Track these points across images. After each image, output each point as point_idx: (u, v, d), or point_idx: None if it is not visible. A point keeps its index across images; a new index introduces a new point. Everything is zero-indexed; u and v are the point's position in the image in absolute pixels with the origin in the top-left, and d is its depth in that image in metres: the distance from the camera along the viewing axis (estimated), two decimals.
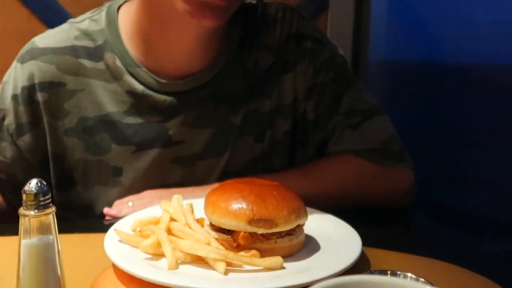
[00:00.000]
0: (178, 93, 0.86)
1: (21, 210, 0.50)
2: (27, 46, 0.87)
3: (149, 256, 0.63)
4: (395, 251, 0.69)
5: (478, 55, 1.52)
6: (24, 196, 0.50)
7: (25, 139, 0.86)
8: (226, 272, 0.59)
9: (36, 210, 0.50)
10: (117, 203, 0.84)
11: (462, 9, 1.55)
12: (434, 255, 0.68)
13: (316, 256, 0.65)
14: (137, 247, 0.64)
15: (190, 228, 0.65)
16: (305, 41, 0.89)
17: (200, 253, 0.60)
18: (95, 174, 0.87)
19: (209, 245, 0.62)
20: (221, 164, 0.88)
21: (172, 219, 0.67)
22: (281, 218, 0.63)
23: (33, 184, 0.50)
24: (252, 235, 0.62)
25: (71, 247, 0.60)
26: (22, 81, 0.85)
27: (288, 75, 0.89)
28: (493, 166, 1.48)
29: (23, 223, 0.50)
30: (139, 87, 0.85)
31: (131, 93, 0.85)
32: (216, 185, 0.71)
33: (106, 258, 0.62)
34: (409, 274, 0.57)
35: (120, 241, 0.65)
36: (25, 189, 0.50)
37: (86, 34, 0.87)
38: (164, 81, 0.85)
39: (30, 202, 0.50)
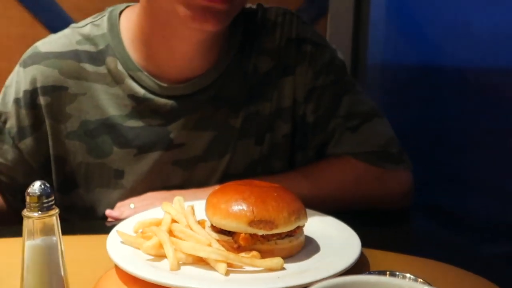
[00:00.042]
0: (179, 97, 0.86)
1: (25, 212, 0.51)
2: (29, 51, 0.88)
3: (151, 257, 0.63)
4: (394, 252, 0.70)
5: (476, 59, 1.53)
6: (28, 198, 0.50)
7: (27, 142, 0.87)
8: (227, 273, 0.60)
9: (39, 212, 0.50)
10: (119, 205, 0.85)
11: (460, 13, 1.56)
12: (433, 256, 0.68)
13: (316, 257, 0.65)
14: (139, 249, 0.64)
15: (191, 229, 0.66)
16: (305, 45, 0.90)
17: (201, 254, 0.61)
18: (97, 176, 0.87)
19: (210, 246, 0.62)
20: (221, 166, 0.89)
21: (173, 221, 0.68)
22: (281, 220, 0.63)
23: (36, 186, 0.50)
24: (253, 236, 0.63)
25: (74, 248, 0.60)
26: (25, 85, 0.86)
27: (288, 79, 0.90)
28: (491, 168, 1.48)
29: (27, 224, 0.51)
30: (141, 91, 0.86)
31: (133, 96, 0.86)
32: (216, 187, 0.71)
33: (109, 259, 0.62)
34: (408, 275, 0.57)
35: (122, 242, 0.66)
36: (28, 191, 0.50)
37: (88, 38, 0.88)
38: (165, 85, 0.86)
39: (34, 204, 0.50)
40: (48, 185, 0.51)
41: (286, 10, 0.92)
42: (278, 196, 0.65)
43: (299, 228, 0.67)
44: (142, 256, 0.64)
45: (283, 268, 0.61)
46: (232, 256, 0.61)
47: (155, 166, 0.87)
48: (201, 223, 0.68)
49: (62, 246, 0.52)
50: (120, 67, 0.86)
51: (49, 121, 0.86)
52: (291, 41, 0.90)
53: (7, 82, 0.90)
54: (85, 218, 0.89)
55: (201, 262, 0.62)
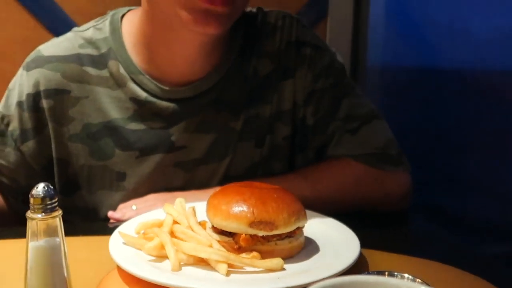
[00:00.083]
0: (181, 100, 0.87)
1: (29, 213, 0.51)
2: (32, 54, 0.89)
3: (153, 258, 0.64)
4: (393, 252, 0.70)
5: (476, 61, 1.53)
6: (31, 200, 0.51)
7: (29, 145, 0.87)
8: (227, 274, 0.60)
9: (43, 213, 0.51)
10: (121, 206, 0.85)
11: (459, 16, 1.56)
12: (432, 257, 0.68)
13: (315, 257, 0.66)
14: (141, 249, 0.65)
15: (192, 230, 0.66)
16: (305, 48, 0.91)
17: (203, 255, 0.62)
18: (99, 179, 0.88)
19: (211, 247, 0.63)
20: (222, 168, 0.89)
21: (175, 222, 0.68)
22: (281, 221, 0.64)
23: (40, 188, 0.51)
24: (253, 237, 0.64)
25: (77, 249, 0.61)
26: (28, 88, 0.87)
27: (288, 82, 0.91)
28: (490, 169, 1.49)
29: (30, 226, 0.51)
30: (143, 94, 0.87)
31: (135, 100, 0.87)
32: (217, 188, 0.72)
33: (111, 260, 0.63)
34: (406, 275, 0.57)
35: (124, 243, 0.66)
36: (32, 193, 0.51)
37: (91, 42, 0.88)
38: (167, 88, 0.87)
39: (38, 206, 0.51)
40: (51, 187, 0.51)
41: (286, 14, 0.93)
42: (278, 198, 0.66)
43: (299, 229, 0.67)
44: (144, 257, 0.64)
45: (283, 269, 0.62)
46: (232, 257, 0.61)
47: (157, 168, 0.88)
48: (202, 224, 0.69)
49: (65, 247, 0.53)
50: (122, 70, 0.87)
51: (52, 124, 0.87)
52: (291, 44, 0.91)
53: (10, 85, 0.90)
54: (88, 219, 0.90)
55: (202, 262, 0.62)
